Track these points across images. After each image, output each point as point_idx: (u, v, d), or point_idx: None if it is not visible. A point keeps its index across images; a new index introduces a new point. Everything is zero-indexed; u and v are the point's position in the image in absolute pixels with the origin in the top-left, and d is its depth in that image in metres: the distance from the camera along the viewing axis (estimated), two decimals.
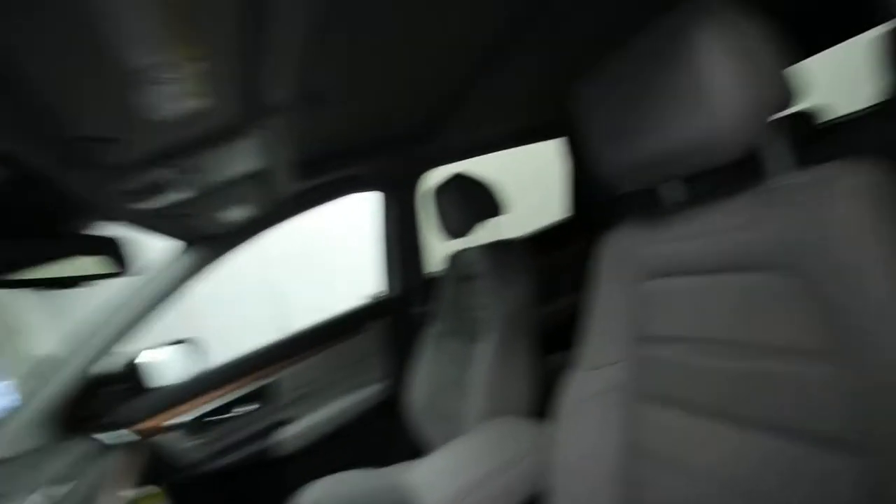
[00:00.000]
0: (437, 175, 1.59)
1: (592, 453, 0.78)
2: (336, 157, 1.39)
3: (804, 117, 1.49)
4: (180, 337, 1.61)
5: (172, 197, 0.87)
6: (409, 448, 1.72)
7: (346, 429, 1.65)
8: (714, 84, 0.53)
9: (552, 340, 1.37)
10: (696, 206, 0.69)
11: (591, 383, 0.80)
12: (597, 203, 2.13)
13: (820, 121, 1.51)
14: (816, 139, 1.36)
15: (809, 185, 0.52)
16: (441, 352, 1.55)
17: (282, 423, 1.59)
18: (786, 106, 0.59)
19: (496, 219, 1.44)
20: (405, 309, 1.75)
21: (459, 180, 1.39)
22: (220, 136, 0.69)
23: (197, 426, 1.47)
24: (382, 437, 1.74)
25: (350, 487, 1.39)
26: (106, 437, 1.26)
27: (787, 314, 0.54)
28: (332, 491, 1.38)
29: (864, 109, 1.49)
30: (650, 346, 0.73)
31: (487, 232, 1.45)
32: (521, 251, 1.36)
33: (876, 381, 0.46)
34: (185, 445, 1.45)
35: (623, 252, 0.77)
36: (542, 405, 1.21)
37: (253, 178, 1.02)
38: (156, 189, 0.78)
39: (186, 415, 1.47)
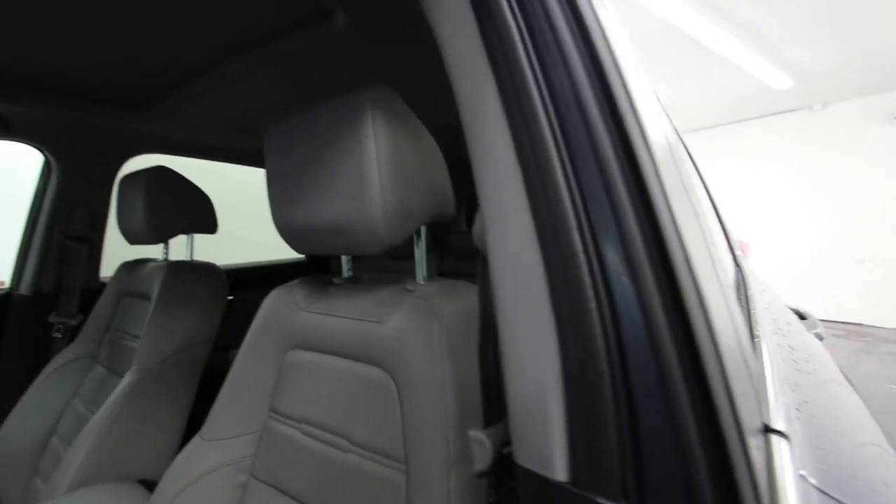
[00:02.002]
0: (138, 164, 1.29)
1: None
2: None
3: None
4: None
5: None
6: None
7: None
8: (375, 179, 0.53)
9: None
10: (357, 285, 0.69)
11: (208, 456, 0.68)
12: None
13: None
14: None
15: (422, 297, 0.56)
16: (68, 381, 1.17)
17: None
18: (442, 218, 0.65)
19: (198, 236, 1.24)
20: (37, 315, 1.29)
21: (164, 176, 1.14)
22: None
23: None
24: None
25: None
26: None
27: (381, 413, 0.55)
28: None
29: None
30: (276, 421, 0.67)
31: (179, 249, 1.23)
32: (221, 281, 1.18)
33: (422, 498, 0.48)
34: None
35: (278, 313, 0.71)
36: None
37: None
38: None
39: None
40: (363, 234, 0.55)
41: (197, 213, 1.20)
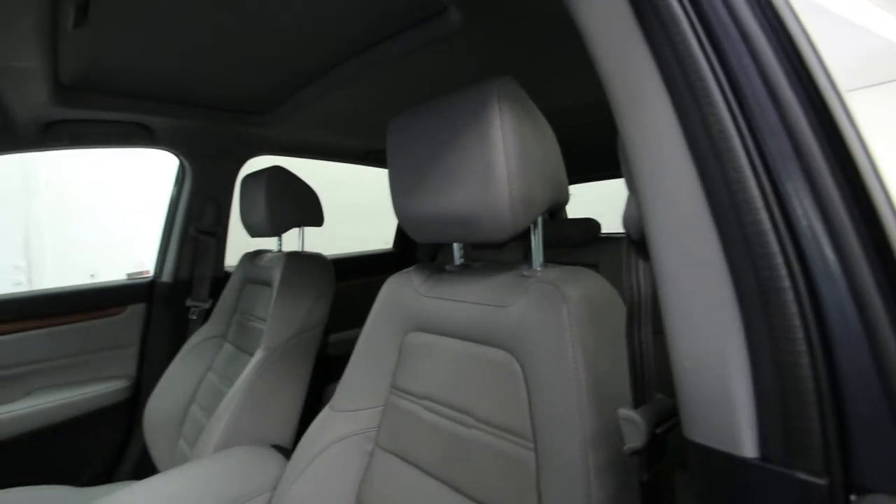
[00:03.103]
0: (256, 164, 1.43)
1: (321, 499, 0.72)
2: (121, 96, 1.12)
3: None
4: None
5: None
6: (137, 465, 1.41)
7: (51, 433, 1.28)
8: (503, 168, 0.55)
9: (333, 370, 1.30)
10: (470, 271, 0.72)
11: (338, 425, 0.75)
12: (420, 245, 2.21)
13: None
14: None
15: (549, 282, 0.57)
16: (203, 357, 1.34)
17: None
18: (559, 205, 0.66)
19: (308, 229, 1.35)
20: (176, 300, 1.48)
21: (281, 175, 1.26)
22: None
23: None
24: (106, 448, 1.40)
25: None
26: None
27: (507, 393, 0.58)
28: None
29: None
30: (398, 397, 0.73)
31: (292, 241, 1.34)
32: (330, 270, 1.28)
33: (555, 476, 0.49)
34: None
35: (397, 298, 0.76)
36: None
37: None
38: None
39: None
40: (489, 222, 0.57)
41: (307, 207, 1.30)
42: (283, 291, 1.16)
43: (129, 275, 1.53)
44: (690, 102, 0.32)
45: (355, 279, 1.25)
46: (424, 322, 0.71)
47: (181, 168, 1.47)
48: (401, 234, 2.20)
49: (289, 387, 1.13)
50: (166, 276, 1.49)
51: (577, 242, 1.61)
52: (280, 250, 1.36)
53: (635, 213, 0.37)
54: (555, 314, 0.53)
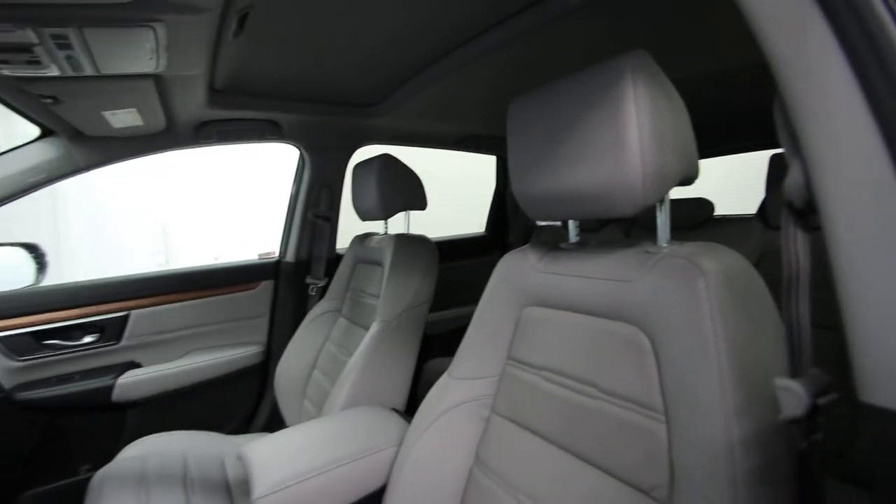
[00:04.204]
0: (366, 152, 1.54)
1: (442, 458, 0.79)
2: (257, 96, 1.27)
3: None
4: (23, 240, 1.38)
5: (35, 69, 0.73)
6: (268, 420, 1.63)
7: (204, 387, 1.52)
8: (635, 140, 0.55)
9: (428, 347, 1.38)
10: (588, 249, 0.73)
11: (456, 392, 0.81)
12: (513, 228, 2.22)
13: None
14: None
15: (682, 256, 0.56)
16: (322, 329, 1.49)
17: (128, 366, 1.42)
18: (688, 181, 0.65)
19: (413, 212, 1.43)
20: (297, 278, 1.66)
21: (389, 162, 1.35)
22: (107, 13, 0.59)
23: (23, 345, 1.27)
24: (244, 403, 1.63)
25: (184, 448, 1.28)
26: None
27: (634, 366, 0.58)
28: (163, 448, 1.26)
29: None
30: (515, 368, 0.76)
31: (397, 224, 1.43)
32: (434, 251, 1.35)
33: (692, 447, 0.50)
34: (1, 364, 1.24)
35: (514, 274, 0.79)
36: (410, 405, 1.21)
37: (148, 81, 0.90)
38: (10, 50, 0.65)
39: (11, 331, 1.25)
40: (618, 198, 0.58)
41: (413, 192, 1.38)
42: (394, 270, 1.25)
43: (260, 255, 1.75)
44: (873, 63, 0.30)
45: (448, 262, 1.31)
46: (542, 297, 0.74)
47: (301, 159, 1.64)
48: (492, 219, 2.23)
49: (401, 356, 1.22)
50: (289, 257, 1.67)
51: (686, 224, 1.53)
52: (386, 233, 1.46)
53: (800, 180, 0.36)
54: (690, 289, 0.53)
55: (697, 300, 0.52)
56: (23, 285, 1.33)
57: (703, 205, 1.52)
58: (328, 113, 1.44)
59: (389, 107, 1.40)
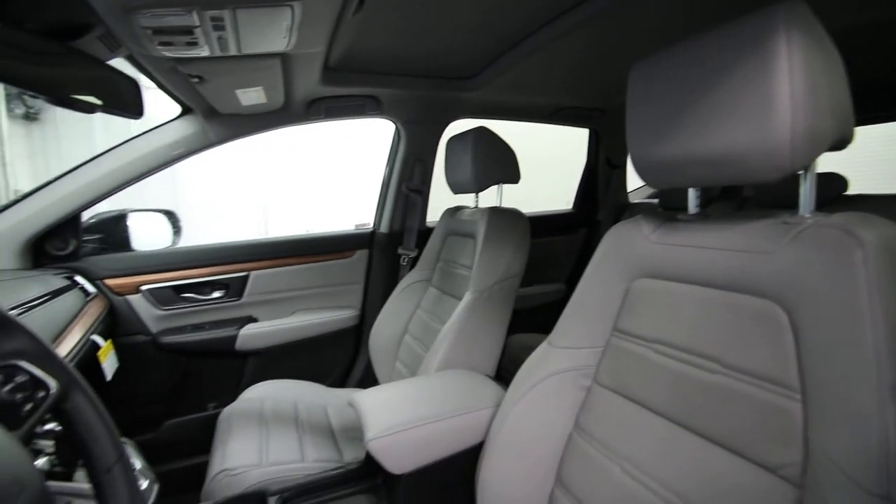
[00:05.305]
0: (459, 126, 1.56)
1: (540, 423, 0.81)
2: (363, 72, 1.33)
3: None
4: (164, 208, 1.60)
5: (191, 50, 0.83)
6: (362, 378, 1.76)
7: (308, 343, 1.68)
8: (786, 99, 0.51)
9: (512, 322, 1.39)
10: (710, 219, 0.70)
11: (556, 360, 0.82)
12: (603, 206, 2.14)
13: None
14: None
15: (834, 226, 0.52)
16: (413, 298, 1.57)
17: (248, 320, 1.60)
18: (841, 145, 0.59)
19: (506, 186, 1.43)
20: (390, 248, 1.75)
21: (484, 135, 1.36)
22: None
23: (165, 297, 1.48)
24: (341, 361, 1.78)
25: (293, 394, 1.44)
26: (80, 280, 1.27)
27: (765, 342, 0.55)
28: (276, 394, 1.42)
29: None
30: (621, 339, 0.75)
31: (489, 197, 1.44)
32: (527, 224, 1.35)
33: (836, 427, 0.47)
34: (149, 312, 1.46)
35: (623, 245, 0.77)
36: (497, 375, 1.24)
37: (276, 60, 0.98)
38: (175, 33, 0.75)
39: (157, 284, 1.47)
40: (760, 163, 0.54)
41: (507, 165, 1.38)
42: (488, 242, 1.28)
43: (356, 226, 1.86)
44: None
45: (533, 238, 1.30)
46: (656, 269, 0.72)
47: (396, 134, 1.70)
48: (581, 195, 2.17)
49: (492, 326, 1.25)
50: (383, 228, 1.77)
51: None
52: (477, 206, 1.48)
53: None
54: (845, 261, 0.48)
55: (853, 273, 0.48)
56: (164, 246, 1.55)
57: (835, 180, 1.35)
58: (425, 87, 1.48)
59: (485, 80, 1.40)
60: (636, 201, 2.27)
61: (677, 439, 0.63)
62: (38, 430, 0.62)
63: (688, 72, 0.61)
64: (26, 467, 0.40)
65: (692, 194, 0.75)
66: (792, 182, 0.59)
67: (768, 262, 0.56)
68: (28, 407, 0.46)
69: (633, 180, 2.26)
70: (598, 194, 2.12)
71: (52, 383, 0.48)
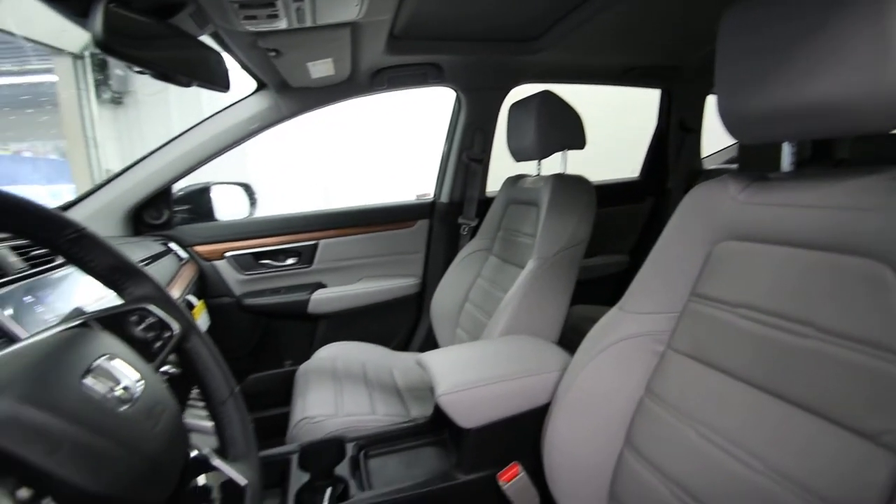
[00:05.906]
0: (521, 92, 1.52)
1: (609, 387, 0.81)
2: (426, 39, 1.33)
3: None
4: (241, 181, 1.71)
5: (271, 23, 0.87)
6: (424, 343, 1.83)
7: (373, 309, 1.76)
8: None
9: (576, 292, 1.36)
10: (809, 174, 0.64)
11: (629, 325, 0.81)
12: (673, 173, 2.02)
13: None
14: None
15: None
16: (473, 266, 1.59)
17: (318, 286, 1.71)
18: None
19: (571, 152, 1.39)
20: (451, 217, 1.77)
21: (549, 99, 1.32)
22: None
23: (245, 263, 1.61)
24: (404, 326, 1.86)
25: (361, 355, 1.52)
26: (173, 247, 1.41)
27: (869, 304, 0.52)
28: (346, 354, 1.52)
29: None
30: (700, 304, 0.73)
31: (551, 164, 1.41)
32: (592, 192, 1.31)
33: None
34: (233, 276, 1.60)
35: (707, 206, 0.74)
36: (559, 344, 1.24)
37: (345, 30, 1.01)
38: (258, 6, 0.78)
39: (239, 251, 1.59)
40: (874, 110, 0.50)
41: (573, 131, 1.34)
42: (552, 210, 1.26)
43: (417, 196, 1.90)
44: None
45: (599, 207, 1.26)
46: (744, 230, 0.68)
47: (457, 101, 1.69)
48: (650, 162, 2.06)
49: (556, 294, 1.25)
50: (443, 198, 1.79)
51: None
52: (539, 174, 1.45)
53: None
54: None
55: None
56: (242, 216, 1.67)
57: None
58: (488, 52, 1.45)
59: (551, 40, 1.35)
60: (711, 167, 2.12)
61: (761, 405, 0.61)
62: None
63: (789, 15, 0.56)
64: (167, 393, 0.47)
65: (787, 150, 0.69)
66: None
67: (874, 219, 0.52)
68: (158, 344, 0.54)
69: (706, 146, 2.11)
70: (669, 161, 2.01)
71: (176, 325, 0.55)
